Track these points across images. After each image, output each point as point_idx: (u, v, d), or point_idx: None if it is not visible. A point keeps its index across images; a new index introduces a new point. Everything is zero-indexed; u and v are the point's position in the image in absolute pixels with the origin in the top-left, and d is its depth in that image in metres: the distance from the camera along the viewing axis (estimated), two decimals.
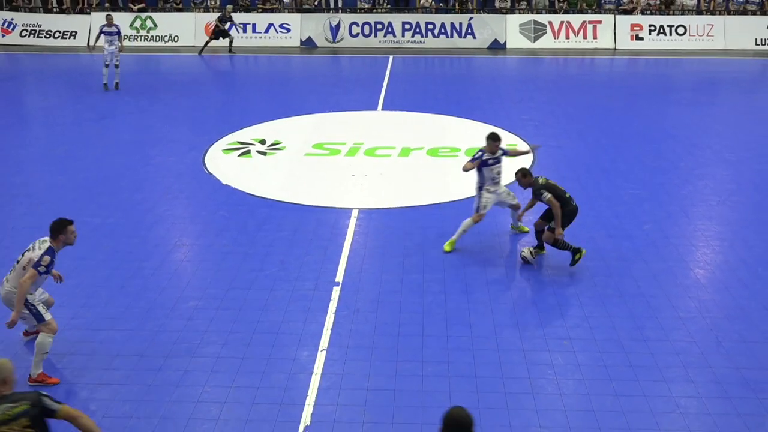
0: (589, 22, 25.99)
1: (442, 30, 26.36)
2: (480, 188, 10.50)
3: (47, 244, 7.49)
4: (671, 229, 11.37)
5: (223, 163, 14.47)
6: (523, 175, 9.98)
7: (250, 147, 15.33)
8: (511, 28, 26.15)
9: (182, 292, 9.52)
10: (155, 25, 27.13)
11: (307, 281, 9.69)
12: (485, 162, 10.35)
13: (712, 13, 26.47)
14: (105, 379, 7.69)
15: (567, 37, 25.98)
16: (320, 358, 8.00)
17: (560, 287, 9.61)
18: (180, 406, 7.25)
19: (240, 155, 14.91)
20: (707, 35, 25.62)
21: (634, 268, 10.05)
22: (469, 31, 26.23)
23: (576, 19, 26.17)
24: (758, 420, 7.06)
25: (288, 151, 15.16)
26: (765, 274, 9.89)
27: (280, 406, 7.23)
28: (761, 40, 25.52)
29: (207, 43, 25.61)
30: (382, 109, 18.57)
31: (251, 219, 11.76)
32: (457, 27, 26.27)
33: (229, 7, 26.10)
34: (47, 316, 7.55)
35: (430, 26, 26.38)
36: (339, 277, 9.77)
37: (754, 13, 26.49)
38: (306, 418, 7.06)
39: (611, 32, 25.84)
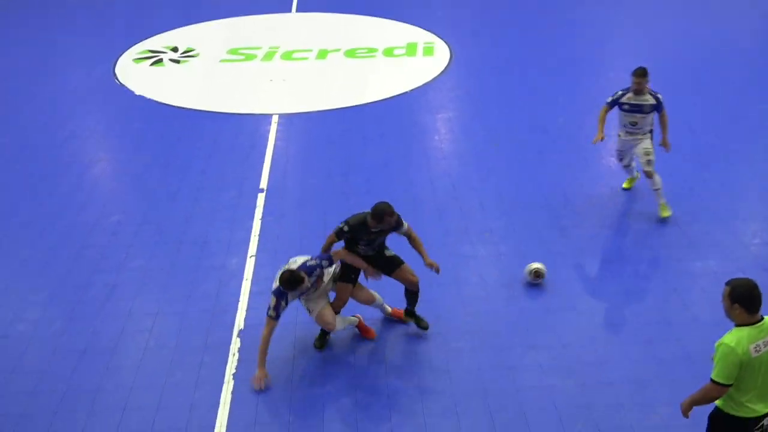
0: None
1: None
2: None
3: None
4: (586, 120, 11.72)
5: (134, 73, 13.99)
6: (390, 214, 6.51)
7: (162, 55, 14.82)
8: None
9: (103, 207, 9.38)
10: None
11: (230, 190, 9.67)
12: (620, 104, 8.76)
13: None
14: (30, 299, 7.63)
15: None
16: (249, 264, 8.11)
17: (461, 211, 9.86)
18: (112, 321, 7.28)
19: (152, 64, 14.42)
20: None
21: (540, 170, 10.40)
22: None
23: None
24: (663, 297, 7.59)
25: (202, 57, 14.74)
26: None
27: (213, 314, 7.35)
28: None
29: None
30: (297, 11, 18.11)
31: (168, 130, 11.54)
32: None
33: None
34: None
35: None
36: (263, 184, 9.78)
37: None
38: (239, 322, 7.21)
39: None
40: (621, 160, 9.21)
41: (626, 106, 8.71)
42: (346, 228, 6.65)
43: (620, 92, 8.75)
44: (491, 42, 15.51)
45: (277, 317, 6.36)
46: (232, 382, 6.44)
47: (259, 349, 6.39)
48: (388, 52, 14.79)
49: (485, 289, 7.70)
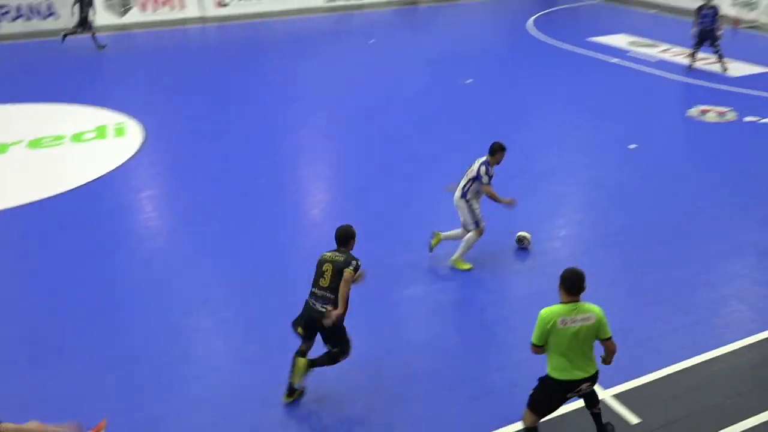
0: None
1: (19, 13, 24.20)
2: (468, 200, 9.15)
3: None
4: (284, 177, 12.32)
5: None
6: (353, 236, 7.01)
7: None
8: (96, 6, 25.02)
9: None
10: None
11: None
12: (491, 177, 9.10)
13: None
14: None
15: (154, 10, 25.68)
16: None
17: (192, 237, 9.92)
18: None
19: None
20: None
21: (258, 218, 10.75)
22: (50, 11, 24.48)
23: None
24: (378, 327, 8.21)
25: None
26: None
27: None
28: None
29: (72, 33, 21.40)
30: None
31: None
32: (38, 9, 24.32)
33: None
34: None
35: (4, 10, 24.04)
36: None
37: None
38: None
39: (196, 1, 26.17)
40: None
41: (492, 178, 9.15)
42: (359, 261, 6.76)
43: (492, 167, 9.04)
44: (183, 114, 15.63)
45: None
46: None
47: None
48: (77, 138, 14.25)
49: (216, 359, 7.76)
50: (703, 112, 14.97)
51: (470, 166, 9.20)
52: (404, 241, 9.99)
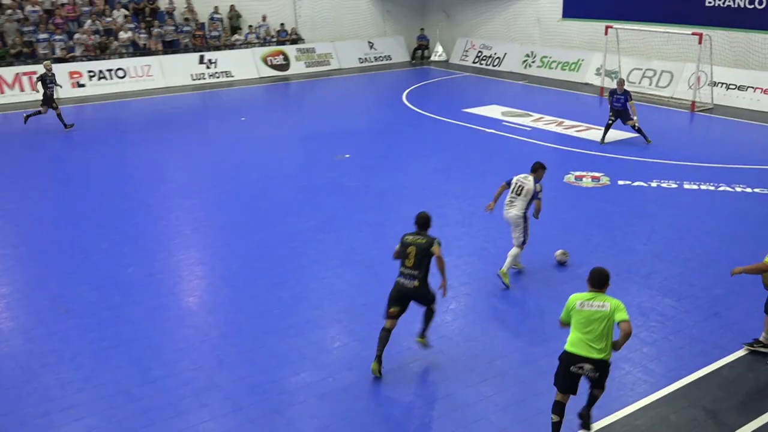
0: (24, 74, 24.61)
1: None
2: (527, 217, 10.44)
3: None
4: (154, 265, 11.45)
5: None
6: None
7: None
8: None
9: None
10: None
11: None
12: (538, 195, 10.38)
13: (149, 54, 27.39)
14: None
15: (2, 92, 24.21)
16: None
17: (61, 339, 8.87)
18: None
19: None
20: (147, 75, 26.58)
21: (127, 311, 9.85)
22: None
23: (8, 72, 24.50)
24: (267, 420, 7.54)
25: None
26: (272, 290, 10.66)
27: None
28: (196, 74, 27.52)
29: (38, 112, 20.54)
30: None
31: None
32: None
33: (48, 63, 20.81)
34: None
35: None
36: None
37: (186, 50, 28.21)
38: None
39: None
40: None
41: None
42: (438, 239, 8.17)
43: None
44: (36, 204, 14.47)
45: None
46: None
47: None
48: None
49: None
50: (579, 177, 15.47)
51: (513, 189, 10.39)
52: (286, 324, 9.45)
